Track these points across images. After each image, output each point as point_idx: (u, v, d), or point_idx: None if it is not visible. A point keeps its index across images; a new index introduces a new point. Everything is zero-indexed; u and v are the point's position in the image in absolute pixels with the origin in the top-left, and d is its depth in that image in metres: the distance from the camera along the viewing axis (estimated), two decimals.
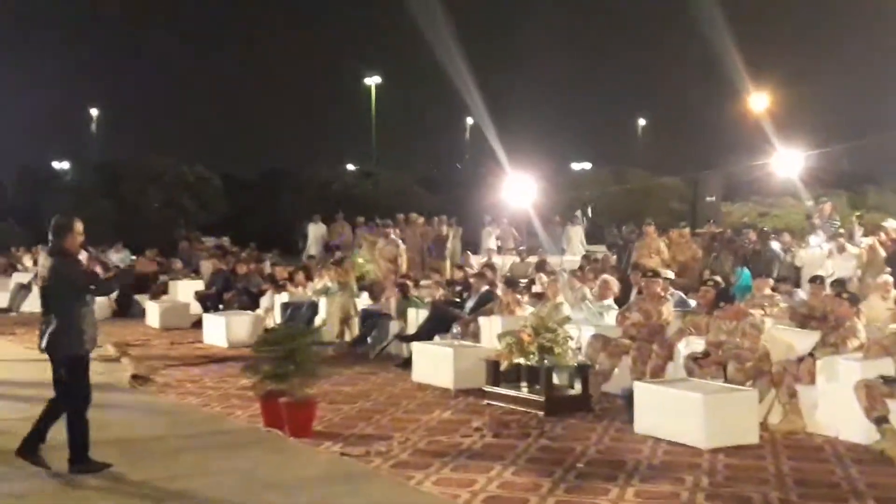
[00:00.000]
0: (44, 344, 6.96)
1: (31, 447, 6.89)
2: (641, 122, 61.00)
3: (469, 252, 20.78)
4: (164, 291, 19.05)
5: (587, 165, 47.85)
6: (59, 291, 6.87)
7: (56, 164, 51.47)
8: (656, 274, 11.06)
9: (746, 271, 14.64)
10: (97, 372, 11.64)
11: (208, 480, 6.80)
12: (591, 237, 24.41)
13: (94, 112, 58.73)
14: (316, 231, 25.01)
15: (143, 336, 15.52)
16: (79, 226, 7.02)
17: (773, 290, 11.75)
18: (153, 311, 17.16)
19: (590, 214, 22.57)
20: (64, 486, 6.64)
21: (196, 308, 17.23)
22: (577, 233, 23.11)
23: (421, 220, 20.68)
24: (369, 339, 13.36)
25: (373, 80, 53.04)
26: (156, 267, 21.14)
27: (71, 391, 6.94)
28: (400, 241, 17.20)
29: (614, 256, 17.64)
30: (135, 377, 11.19)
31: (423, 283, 14.73)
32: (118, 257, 22.15)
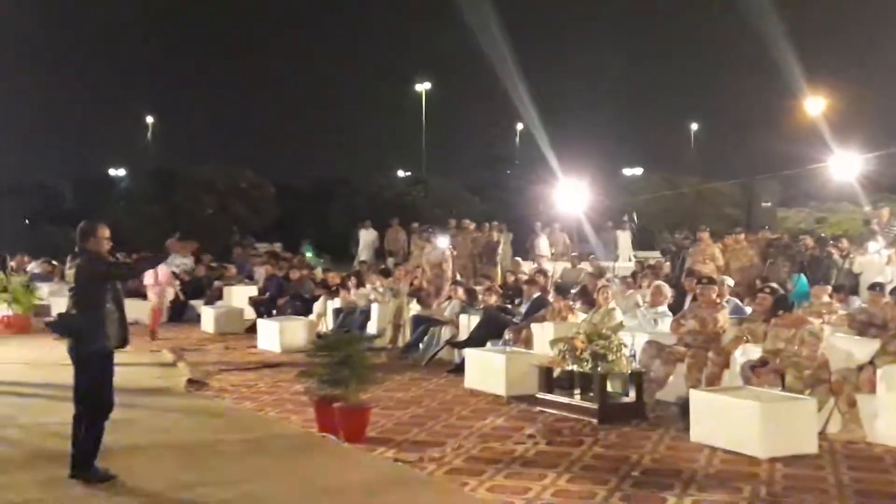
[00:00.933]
0: (64, 331, 6.96)
1: (83, 465, 6.85)
2: (694, 126, 60.40)
3: (520, 258, 20.74)
4: (219, 297, 19.28)
5: (639, 171, 47.52)
6: (83, 289, 6.87)
7: (112, 172, 52.46)
8: (712, 280, 10.94)
9: (803, 278, 14.42)
10: (154, 376, 12.00)
11: (266, 485, 6.86)
12: (639, 243, 24.21)
13: (149, 120, 59.66)
14: (367, 237, 25.15)
15: (198, 341, 15.73)
16: (103, 231, 7.05)
17: (832, 297, 11.55)
18: (208, 317, 17.38)
19: (635, 219, 22.34)
20: (123, 494, 6.69)
21: (250, 313, 17.43)
22: (626, 238, 22.94)
23: (472, 226, 20.66)
24: (421, 345, 13.40)
25: (423, 86, 53.21)
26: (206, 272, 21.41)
27: (90, 393, 6.87)
28: (445, 247, 17.23)
29: (667, 263, 17.46)
30: (191, 382, 11.33)
31: (477, 289, 14.71)
32: (180, 262, 22.47)
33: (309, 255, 24.51)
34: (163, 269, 16.89)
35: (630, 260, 21.23)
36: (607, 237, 22.37)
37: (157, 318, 16.40)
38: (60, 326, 7.04)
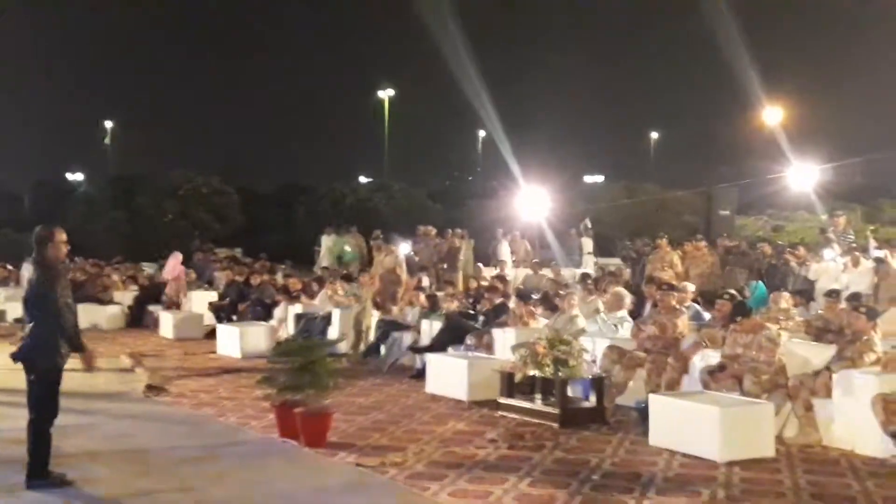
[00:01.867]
0: (20, 354, 6.84)
1: (38, 472, 6.77)
2: (654, 135, 61.01)
3: (482, 265, 20.80)
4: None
5: (600, 178, 47.88)
6: (37, 302, 6.78)
7: (70, 177, 51.89)
8: (672, 287, 11.05)
9: (761, 285, 14.61)
10: (113, 381, 11.85)
11: (226, 491, 6.81)
12: (599, 250, 24.34)
13: (108, 124, 59.08)
14: (329, 243, 25.10)
15: (156, 346, 15.57)
16: (60, 235, 6.95)
17: (789, 303, 11.71)
18: (167, 322, 17.21)
19: (589, 226, 22.51)
20: (80, 499, 6.61)
21: (210, 319, 17.30)
22: (589, 245, 23.09)
23: (433, 232, 20.70)
24: (382, 350, 13.39)
25: (386, 94, 53.24)
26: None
27: (40, 403, 6.80)
28: (399, 252, 17.25)
29: (628, 269, 17.62)
30: (149, 387, 11.22)
31: (438, 294, 14.74)
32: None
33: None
34: (176, 264, 18.55)
35: (593, 266, 21.35)
36: (572, 244, 22.47)
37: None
38: (21, 356, 6.89)
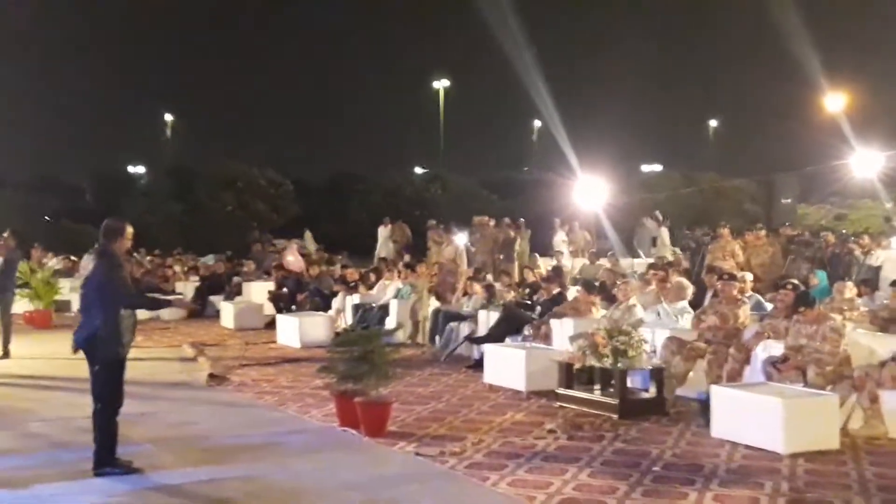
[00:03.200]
0: (79, 344, 6.97)
1: (105, 459, 6.91)
2: (713, 123, 60.19)
3: (538, 255, 20.73)
4: (238, 292, 19.36)
5: (657, 167, 47.38)
6: (100, 293, 6.86)
7: (131, 169, 52.78)
8: (733, 276, 10.90)
9: (824, 274, 14.35)
10: (176, 371, 12.06)
11: (288, 478, 6.90)
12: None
13: (168, 117, 59.97)
14: (385, 234, 25.37)
15: (218, 336, 15.79)
16: (129, 230, 7.07)
17: (853, 293, 11.49)
18: (227, 312, 17.44)
19: (661, 217, 22.22)
20: (148, 487, 6.74)
21: (269, 309, 17.50)
22: (665, 235, 22.72)
23: (491, 222, 20.69)
24: (438, 340, 13.43)
25: (441, 84, 53.27)
26: (225, 268, 21.54)
27: (104, 393, 6.93)
28: (458, 242, 17.29)
29: (687, 259, 17.43)
30: (212, 376, 11.38)
31: (496, 285, 14.73)
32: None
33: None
34: (296, 256, 19.26)
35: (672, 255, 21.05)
36: (645, 234, 22.08)
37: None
38: (80, 341, 7.02)
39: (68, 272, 21.97)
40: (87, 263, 7.05)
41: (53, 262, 22.08)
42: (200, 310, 18.93)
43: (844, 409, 8.21)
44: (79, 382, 9.63)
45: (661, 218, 22.09)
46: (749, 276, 12.30)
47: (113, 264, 6.91)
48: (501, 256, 19.64)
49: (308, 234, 28.22)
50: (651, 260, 19.33)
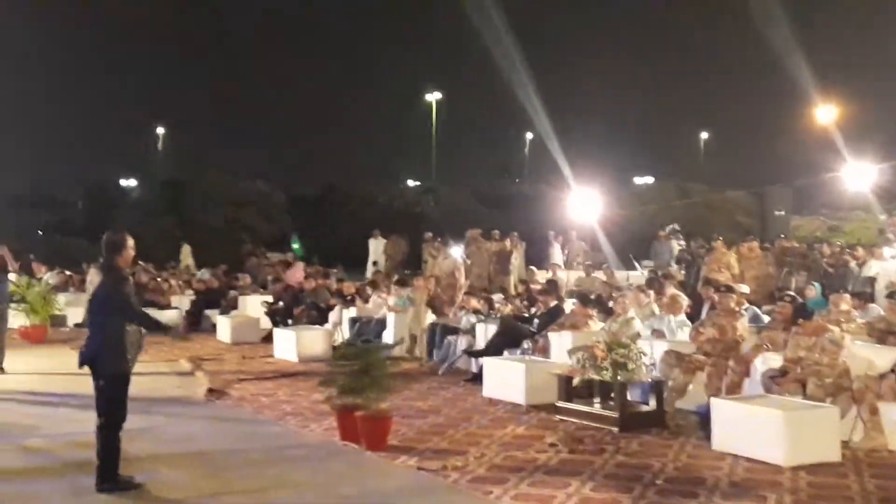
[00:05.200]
0: (86, 359, 6.93)
1: (108, 475, 6.89)
2: (704, 135, 60.41)
3: (534, 268, 20.75)
4: (234, 306, 19.33)
5: (650, 179, 47.53)
6: (105, 308, 6.85)
7: (123, 182, 52.69)
8: (731, 289, 10.95)
9: (820, 286, 14.40)
10: (174, 385, 12.03)
11: (290, 494, 6.90)
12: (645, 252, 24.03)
13: (160, 130, 59.91)
14: (377, 246, 25.44)
15: (215, 350, 15.75)
16: (130, 242, 7.06)
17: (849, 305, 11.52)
18: (224, 326, 17.41)
19: (677, 228, 22.11)
20: (149, 502, 6.73)
21: (265, 322, 17.48)
22: (677, 248, 22.63)
23: (495, 235, 20.77)
24: (435, 354, 13.44)
25: (433, 97, 53.38)
26: (221, 282, 21.50)
27: (108, 408, 6.90)
28: (456, 256, 17.32)
29: (682, 271, 17.47)
30: (210, 391, 11.36)
31: (493, 298, 14.76)
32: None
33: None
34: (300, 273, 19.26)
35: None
36: (661, 246, 22.06)
37: None
38: (88, 361, 6.99)
39: (63, 286, 21.93)
40: (94, 278, 7.04)
41: (49, 276, 22.02)
42: (194, 324, 18.90)
43: (845, 422, 8.23)
44: (78, 398, 9.69)
45: (674, 230, 22.08)
46: (746, 288, 12.33)
47: (118, 278, 6.91)
48: (497, 269, 19.67)
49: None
50: (645, 272, 19.35)
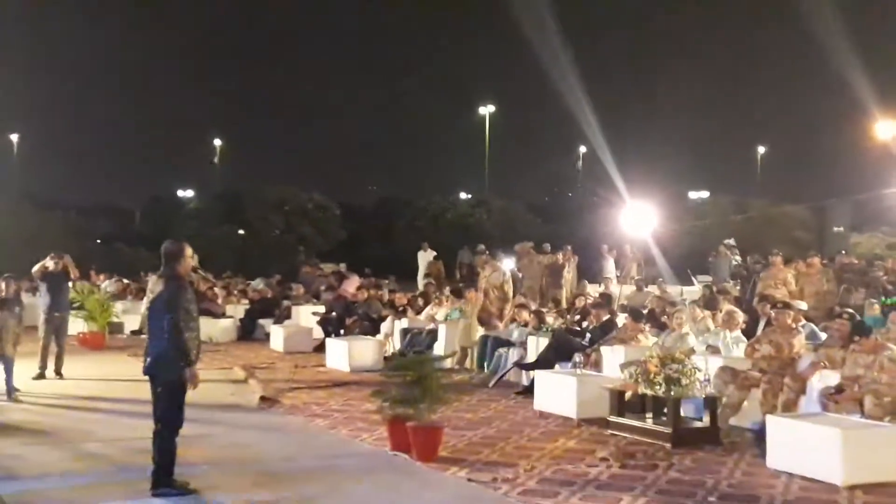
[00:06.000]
0: (146, 366, 7.06)
1: (163, 480, 6.99)
2: (761, 149, 59.69)
3: (587, 281, 20.66)
4: (288, 316, 19.52)
5: (705, 194, 47.04)
6: (163, 315, 6.92)
7: (181, 193, 53.58)
8: (787, 305, 10.79)
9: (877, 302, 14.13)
10: (228, 393, 12.17)
11: (343, 502, 6.94)
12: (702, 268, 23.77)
13: (217, 142, 60.82)
14: (425, 259, 25.60)
15: (268, 359, 15.91)
16: (189, 250, 7.18)
17: None
18: (277, 335, 17.58)
19: (733, 243, 21.85)
20: None
21: (318, 332, 17.61)
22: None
23: (547, 248, 20.71)
24: (486, 366, 13.42)
25: (487, 109, 53.45)
26: (274, 292, 21.73)
27: (166, 414, 7.01)
28: (505, 269, 17.28)
29: (737, 287, 17.26)
30: (263, 399, 11.48)
31: (544, 311, 14.71)
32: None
33: None
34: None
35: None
36: (718, 262, 21.80)
37: None
38: (152, 368, 7.08)
39: (120, 295, 22.34)
40: (154, 286, 7.16)
41: (107, 284, 22.44)
42: (248, 332, 19.13)
43: None
44: (135, 404, 9.85)
45: (730, 245, 21.81)
46: (803, 305, 12.14)
47: (179, 287, 7.03)
48: (550, 282, 19.59)
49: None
50: (697, 288, 19.13)
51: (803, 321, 11.38)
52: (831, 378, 9.01)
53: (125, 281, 24.12)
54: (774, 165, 58.23)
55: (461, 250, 26.37)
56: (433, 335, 15.03)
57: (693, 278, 21.65)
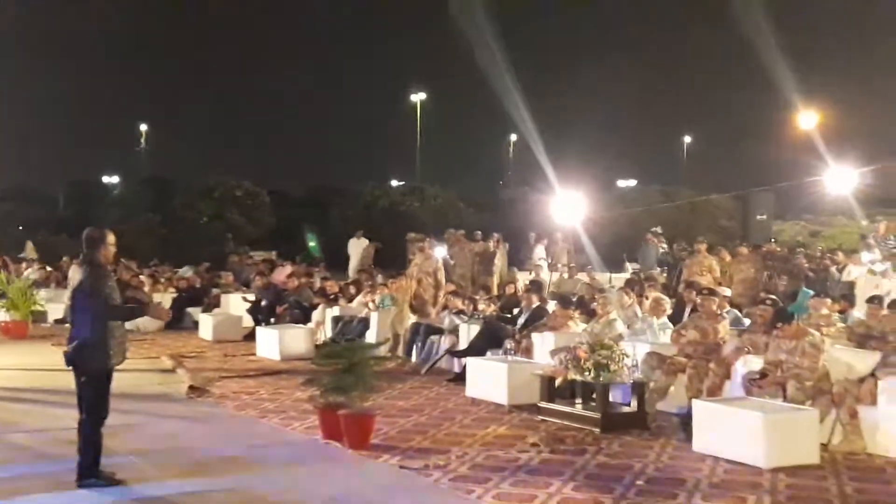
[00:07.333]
0: (69, 356, 6.90)
1: (89, 471, 6.87)
2: (687, 139, 60.73)
3: (516, 268, 20.79)
4: (217, 304, 19.27)
5: (633, 182, 47.71)
6: (87, 304, 6.81)
7: (106, 179, 52.49)
8: (713, 291, 11.01)
9: (807, 291, 14.51)
10: (155, 382, 11.99)
11: (273, 491, 6.89)
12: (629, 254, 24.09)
13: (143, 127, 59.72)
14: (358, 246, 25.52)
15: (196, 348, 15.69)
16: (111, 237, 7.02)
17: (830, 309, 11.62)
18: (206, 324, 17.35)
19: (660, 231, 22.16)
20: (130, 499, 6.71)
21: (248, 321, 17.43)
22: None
23: (477, 235, 20.78)
24: (415, 353, 13.44)
25: (418, 97, 53.39)
26: (203, 280, 21.44)
27: (91, 404, 6.88)
28: (437, 256, 17.31)
29: (664, 274, 17.55)
30: (192, 388, 11.33)
31: (476, 298, 14.77)
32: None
33: (312, 244, 25.05)
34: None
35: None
36: (647, 250, 22.07)
37: None
38: (75, 357, 6.93)
39: (44, 282, 21.82)
40: (75, 274, 7.00)
41: (29, 272, 21.89)
42: (176, 321, 18.81)
43: (824, 425, 8.30)
44: (59, 394, 9.64)
45: (656, 233, 22.12)
46: (727, 292, 12.41)
47: (99, 274, 6.87)
48: (481, 270, 19.68)
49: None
50: (627, 275, 19.42)
51: (728, 307, 11.63)
52: (755, 363, 9.22)
53: (48, 268, 23.56)
54: (700, 155, 59.32)
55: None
56: (365, 323, 14.98)
57: (628, 265, 21.94)
